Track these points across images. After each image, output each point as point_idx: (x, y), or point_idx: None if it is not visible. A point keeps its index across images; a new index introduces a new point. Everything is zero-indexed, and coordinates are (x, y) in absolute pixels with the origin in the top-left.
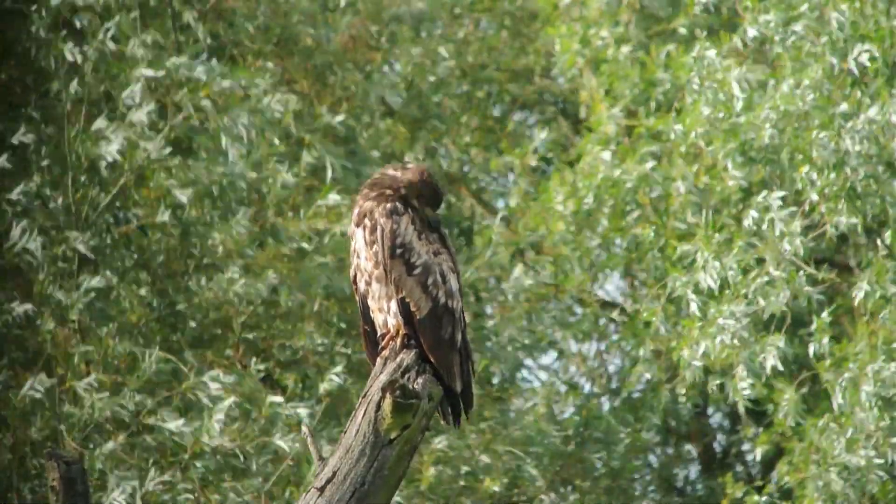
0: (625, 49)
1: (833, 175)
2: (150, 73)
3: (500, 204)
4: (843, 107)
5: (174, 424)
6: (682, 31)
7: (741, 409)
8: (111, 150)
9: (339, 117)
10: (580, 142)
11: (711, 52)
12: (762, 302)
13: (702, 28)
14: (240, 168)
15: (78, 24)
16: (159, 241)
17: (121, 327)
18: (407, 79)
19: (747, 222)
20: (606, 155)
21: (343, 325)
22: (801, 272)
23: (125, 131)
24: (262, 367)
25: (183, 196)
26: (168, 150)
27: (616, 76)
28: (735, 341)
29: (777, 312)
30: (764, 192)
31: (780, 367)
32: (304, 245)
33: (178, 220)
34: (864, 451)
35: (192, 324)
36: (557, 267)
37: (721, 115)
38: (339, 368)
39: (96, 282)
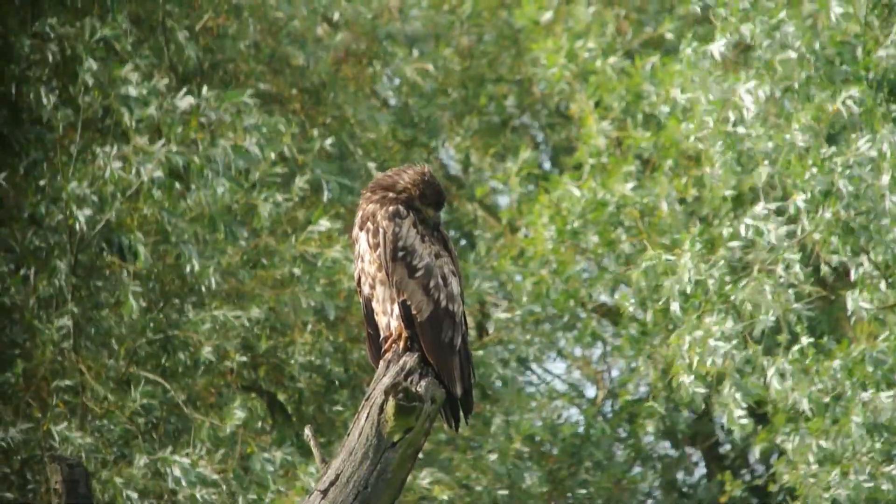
0: (612, 60)
1: (828, 213)
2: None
3: (502, 202)
4: (833, 149)
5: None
6: (670, 36)
7: (737, 436)
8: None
9: (329, 140)
10: (575, 151)
11: (704, 63)
12: (750, 306)
13: (687, 35)
14: (227, 196)
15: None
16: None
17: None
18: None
19: (742, 229)
20: (576, 190)
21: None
22: (791, 289)
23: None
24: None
25: (177, 222)
26: (160, 173)
27: (605, 88)
28: (727, 362)
29: (767, 331)
30: (761, 203)
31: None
32: (296, 270)
33: (169, 243)
34: (854, 476)
35: (182, 356)
36: (540, 289)
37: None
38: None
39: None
